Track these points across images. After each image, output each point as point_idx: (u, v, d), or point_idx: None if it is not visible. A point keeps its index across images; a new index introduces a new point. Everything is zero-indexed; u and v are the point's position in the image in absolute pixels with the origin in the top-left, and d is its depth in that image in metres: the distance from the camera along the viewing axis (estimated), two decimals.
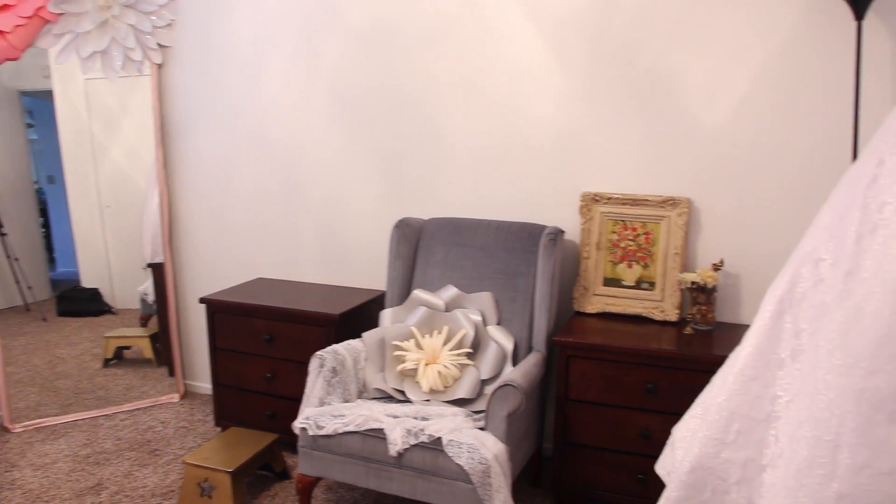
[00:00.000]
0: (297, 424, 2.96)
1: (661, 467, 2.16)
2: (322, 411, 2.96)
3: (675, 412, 2.26)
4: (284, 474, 3.49)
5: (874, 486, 1.53)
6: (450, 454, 2.68)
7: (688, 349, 3.00)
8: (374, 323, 3.61)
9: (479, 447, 2.68)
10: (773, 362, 1.84)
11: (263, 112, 4.13)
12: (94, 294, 4.54)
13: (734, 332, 3.14)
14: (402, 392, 3.19)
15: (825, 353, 1.67)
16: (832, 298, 1.74)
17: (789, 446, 1.72)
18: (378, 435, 2.82)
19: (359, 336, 3.36)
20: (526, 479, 3.47)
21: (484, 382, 3.16)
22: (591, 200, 3.44)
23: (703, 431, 1.88)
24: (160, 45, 4.25)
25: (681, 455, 1.98)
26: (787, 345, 1.84)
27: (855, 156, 2.85)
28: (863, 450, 1.54)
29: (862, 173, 1.79)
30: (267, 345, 3.67)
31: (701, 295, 3.23)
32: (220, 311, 3.78)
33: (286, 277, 4.23)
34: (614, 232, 3.42)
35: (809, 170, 3.15)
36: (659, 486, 2.02)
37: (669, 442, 2.16)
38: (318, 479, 3.00)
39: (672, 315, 3.33)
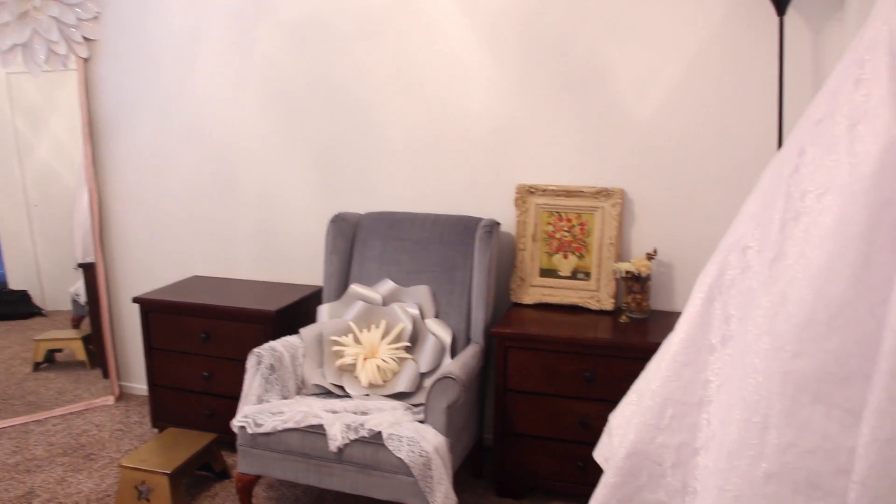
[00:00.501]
0: (236, 423, 2.93)
1: (599, 454, 2.19)
2: (260, 409, 2.93)
3: (613, 400, 2.30)
4: (224, 474, 3.45)
5: (800, 463, 1.57)
6: (390, 448, 2.68)
7: (623, 337, 3.05)
8: (311, 319, 3.58)
9: (420, 440, 2.68)
10: (705, 348, 1.89)
11: (196, 107, 4.06)
12: (23, 296, 4.41)
13: (668, 320, 3.20)
14: (342, 387, 3.18)
15: (753, 338, 1.71)
16: (759, 285, 1.79)
17: (721, 429, 1.76)
18: (318, 431, 2.80)
19: (296, 332, 3.34)
20: (467, 471, 3.49)
21: (423, 375, 3.17)
22: (527, 192, 3.47)
23: (638, 417, 1.91)
24: (86, 39, 4.14)
25: (617, 441, 2.01)
26: (717, 331, 1.88)
27: (780, 145, 2.93)
28: (789, 430, 1.59)
29: (785, 162, 1.84)
30: (203, 343, 3.61)
31: (635, 284, 3.29)
32: (155, 311, 3.71)
33: (222, 275, 4.17)
34: (550, 223, 3.46)
35: (738, 160, 3.22)
36: (598, 472, 2.05)
37: (606, 429, 2.19)
38: (258, 478, 2.97)
39: (607, 304, 3.38)
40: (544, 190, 3.45)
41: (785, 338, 1.62)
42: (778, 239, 1.76)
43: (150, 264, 4.32)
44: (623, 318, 3.27)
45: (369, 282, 3.47)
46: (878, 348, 1.54)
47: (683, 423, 1.86)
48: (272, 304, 3.53)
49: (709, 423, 1.83)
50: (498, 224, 3.37)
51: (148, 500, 3.07)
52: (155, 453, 3.21)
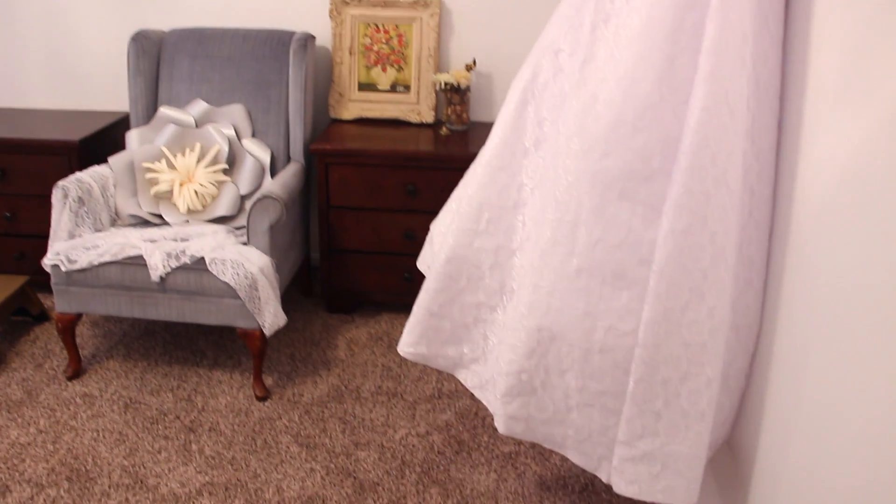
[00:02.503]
0: (47, 261, 2.78)
1: (422, 262, 2.25)
2: (73, 245, 2.79)
3: (435, 211, 2.34)
4: (43, 316, 3.30)
5: (607, 257, 1.68)
6: (214, 272, 2.64)
7: (444, 149, 3.09)
8: (120, 146, 3.36)
9: (244, 262, 2.66)
10: (519, 152, 1.93)
11: None
12: None
13: (488, 131, 3.19)
14: (159, 216, 3.06)
15: (564, 140, 1.76)
16: (570, 87, 1.82)
17: (535, 230, 1.84)
18: (137, 262, 2.71)
19: (104, 162, 3.14)
20: (297, 290, 3.52)
21: (243, 198, 3.09)
22: (341, 3, 3.32)
23: (456, 223, 1.96)
24: None
25: (437, 248, 2.06)
26: (530, 134, 1.92)
27: None
28: (597, 226, 1.68)
29: None
30: (0, 181, 3.33)
31: (455, 95, 3.28)
32: None
33: (11, 105, 3.78)
34: (367, 35, 3.35)
35: None
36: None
37: (428, 238, 2.24)
38: (79, 316, 2.87)
39: (428, 117, 3.37)
40: (360, 0, 3.31)
41: (594, 138, 1.68)
42: (588, 41, 1.78)
43: None
44: (443, 130, 3.28)
45: (179, 104, 3.27)
46: (678, 146, 1.62)
47: (500, 226, 1.92)
48: (75, 134, 3.28)
49: (524, 224, 1.90)
50: (312, 38, 3.22)
51: None
52: None
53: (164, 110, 3.24)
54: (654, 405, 1.69)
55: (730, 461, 1.94)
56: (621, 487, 1.78)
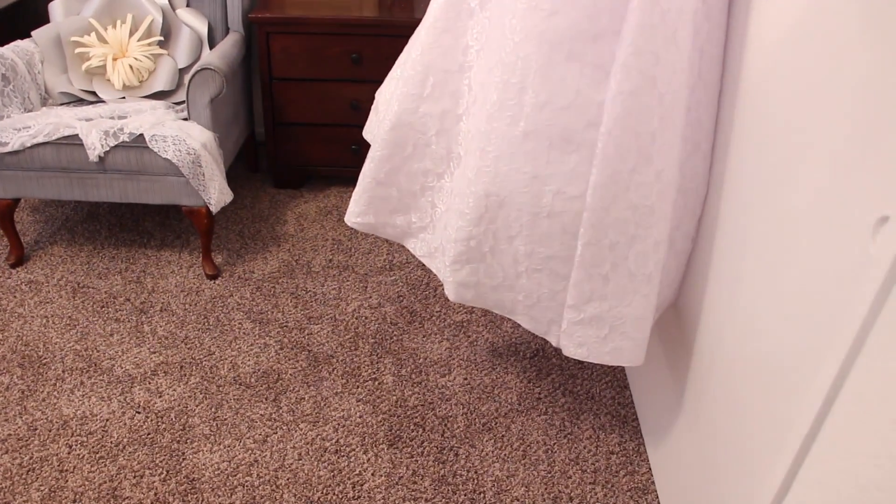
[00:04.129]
0: None
1: (368, 132, 2.19)
2: (2, 126, 2.66)
3: (380, 79, 2.27)
4: None
5: (554, 120, 1.63)
6: (155, 149, 2.55)
7: (389, 15, 2.97)
8: (42, 19, 3.18)
9: (185, 138, 2.57)
10: (464, 12, 1.85)
11: None
12: None
13: None
14: (93, 93, 2.93)
15: None
16: None
17: (481, 93, 1.78)
18: (74, 142, 2.61)
19: (28, 36, 2.97)
20: (243, 166, 3.44)
21: (181, 71, 2.96)
22: None
23: (401, 89, 1.89)
24: None
25: (383, 115, 2.00)
26: None
27: None
28: (544, 88, 1.63)
29: None
30: None
31: None
32: None
33: None
34: None
35: None
36: None
37: (374, 106, 2.18)
38: (16, 201, 2.77)
39: None
40: None
41: None
42: None
43: None
44: None
45: None
46: (628, 4, 1.56)
47: (445, 90, 1.86)
48: None
49: (470, 88, 1.84)
50: None
51: None
52: None
53: None
54: (602, 269, 1.69)
55: (675, 323, 1.98)
56: (570, 350, 1.81)
